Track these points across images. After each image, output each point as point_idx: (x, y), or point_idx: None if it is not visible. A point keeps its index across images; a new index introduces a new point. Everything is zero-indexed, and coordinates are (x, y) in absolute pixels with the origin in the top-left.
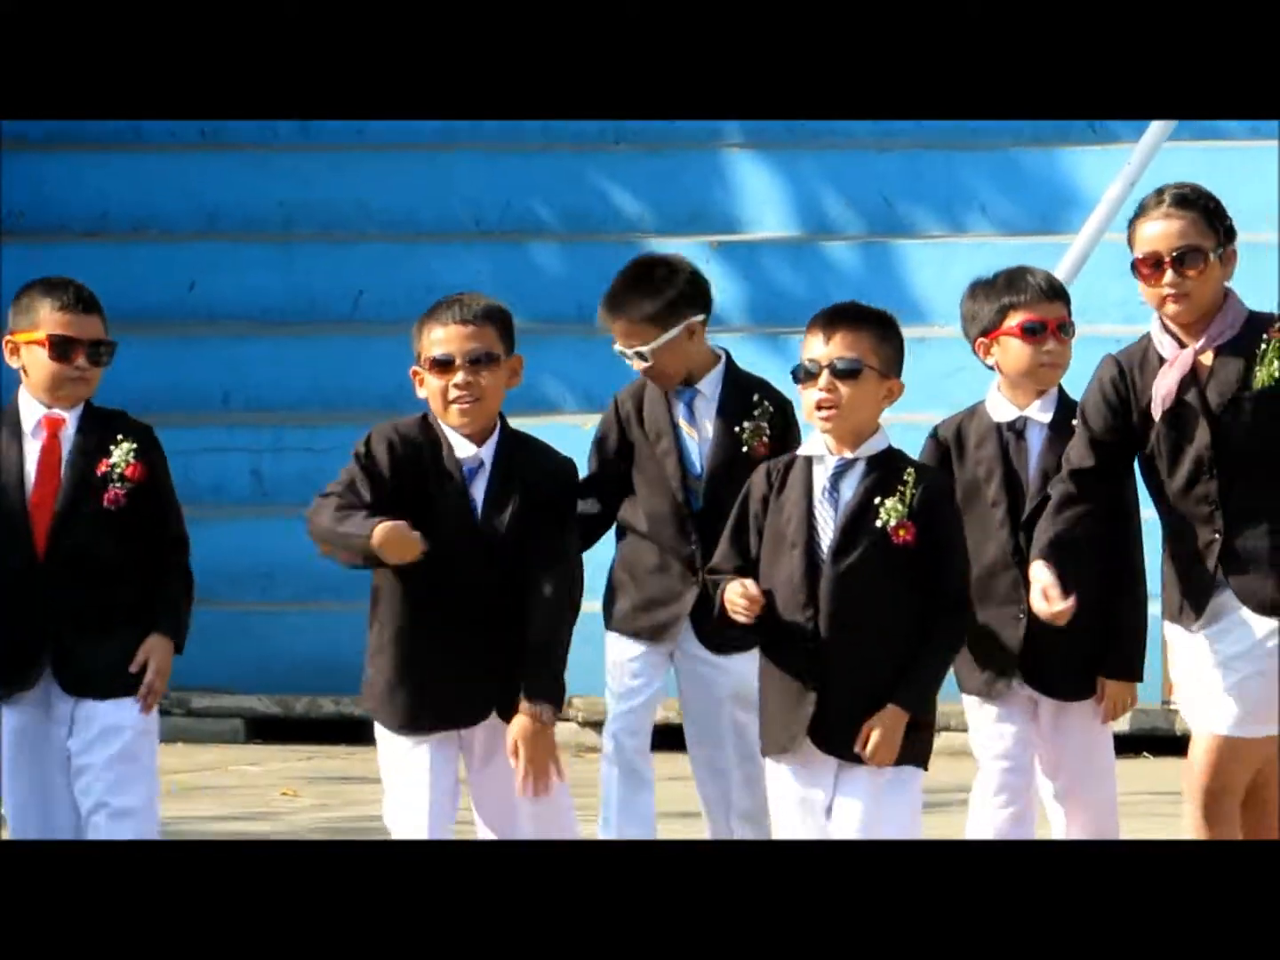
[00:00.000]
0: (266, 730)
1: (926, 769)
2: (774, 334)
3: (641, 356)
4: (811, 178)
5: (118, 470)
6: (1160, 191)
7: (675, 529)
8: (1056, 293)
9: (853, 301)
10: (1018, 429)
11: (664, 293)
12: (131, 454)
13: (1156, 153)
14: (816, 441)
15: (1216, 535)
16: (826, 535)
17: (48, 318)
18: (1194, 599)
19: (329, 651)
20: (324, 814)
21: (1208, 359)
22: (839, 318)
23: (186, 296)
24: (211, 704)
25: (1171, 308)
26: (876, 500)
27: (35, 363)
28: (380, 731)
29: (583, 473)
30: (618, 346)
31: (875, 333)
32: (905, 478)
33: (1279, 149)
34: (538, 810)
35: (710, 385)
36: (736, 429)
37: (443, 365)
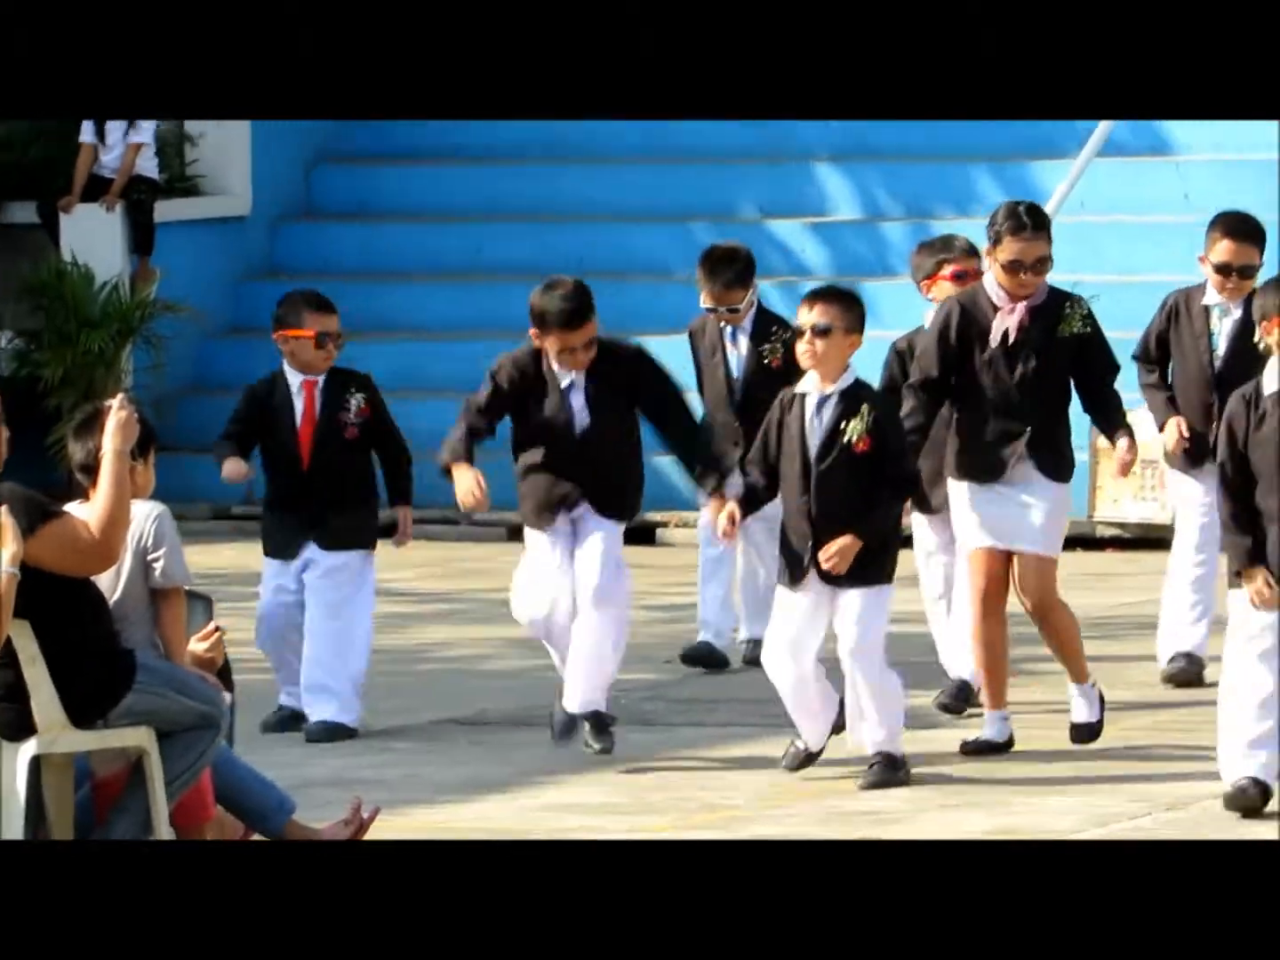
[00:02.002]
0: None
1: (891, 583)
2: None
3: (733, 311)
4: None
5: (351, 414)
6: (1021, 214)
7: (724, 411)
8: (974, 251)
9: (828, 284)
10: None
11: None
12: (361, 400)
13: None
14: (807, 380)
15: (1029, 427)
16: (814, 447)
17: (311, 319)
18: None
19: None
20: None
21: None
22: (816, 294)
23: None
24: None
25: (1022, 290)
26: (843, 423)
27: (301, 348)
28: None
29: None
30: (709, 303)
31: (841, 303)
32: (863, 407)
33: None
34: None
35: (747, 320)
36: (760, 349)
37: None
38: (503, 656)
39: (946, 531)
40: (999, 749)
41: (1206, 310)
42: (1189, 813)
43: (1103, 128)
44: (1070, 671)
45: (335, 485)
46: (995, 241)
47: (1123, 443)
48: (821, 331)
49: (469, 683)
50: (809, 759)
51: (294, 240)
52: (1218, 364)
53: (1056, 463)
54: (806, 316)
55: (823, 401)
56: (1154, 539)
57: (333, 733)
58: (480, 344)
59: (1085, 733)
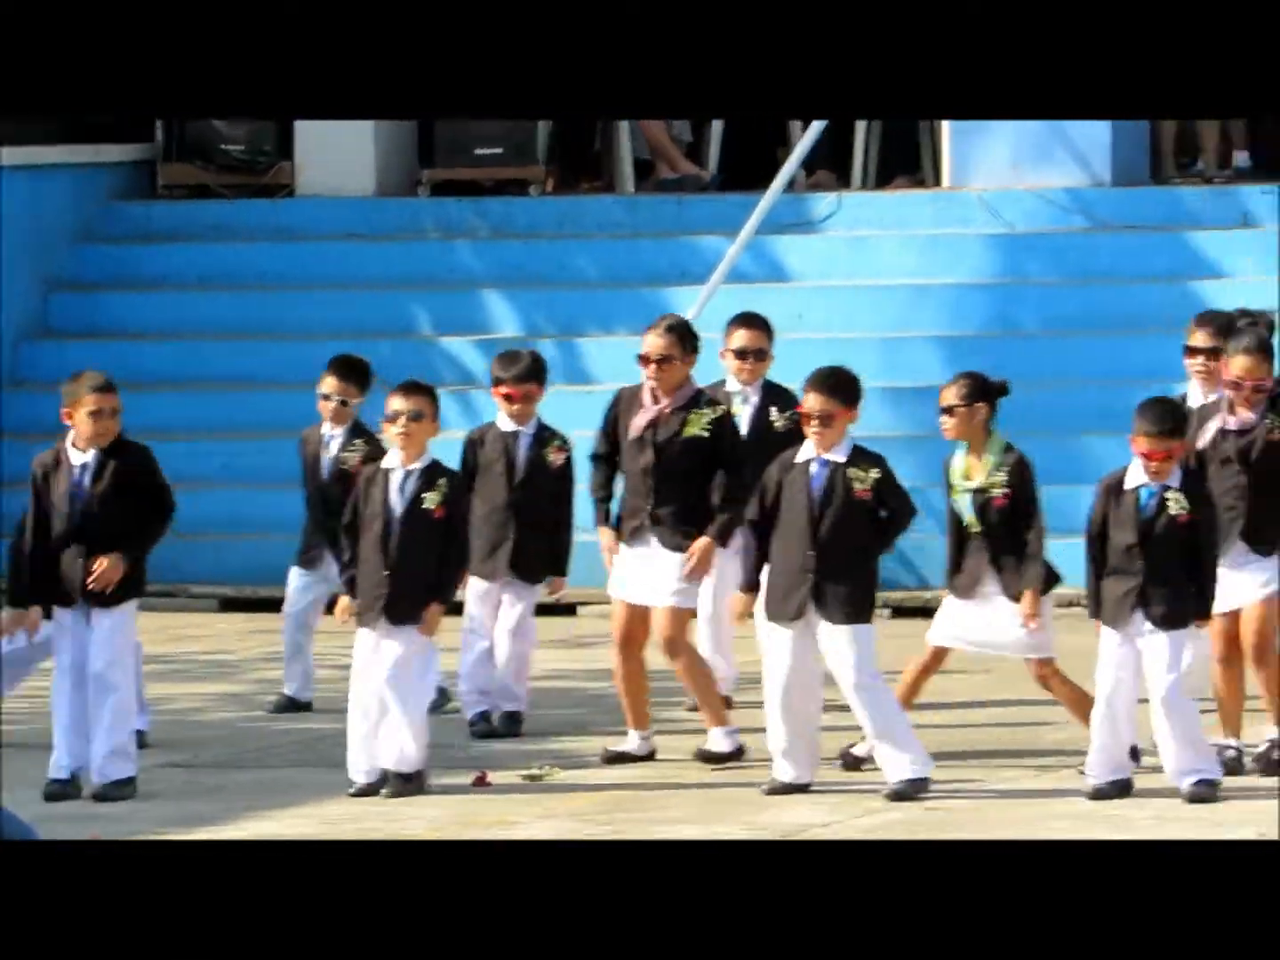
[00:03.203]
0: None
1: (871, 622)
2: None
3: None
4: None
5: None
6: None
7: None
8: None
9: (828, 369)
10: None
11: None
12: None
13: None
14: (808, 448)
15: (649, 505)
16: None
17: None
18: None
19: None
20: None
21: (666, 410)
22: (812, 384)
23: None
24: None
25: (653, 384)
26: (845, 476)
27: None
28: None
29: None
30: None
31: (835, 391)
32: (864, 468)
33: None
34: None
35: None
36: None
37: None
38: (214, 710)
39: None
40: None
41: None
42: None
43: (728, 259)
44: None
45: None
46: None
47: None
48: (822, 418)
49: (185, 732)
50: (792, 789)
51: (34, 356)
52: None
53: (676, 535)
54: (810, 403)
55: (821, 465)
56: None
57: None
58: (200, 444)
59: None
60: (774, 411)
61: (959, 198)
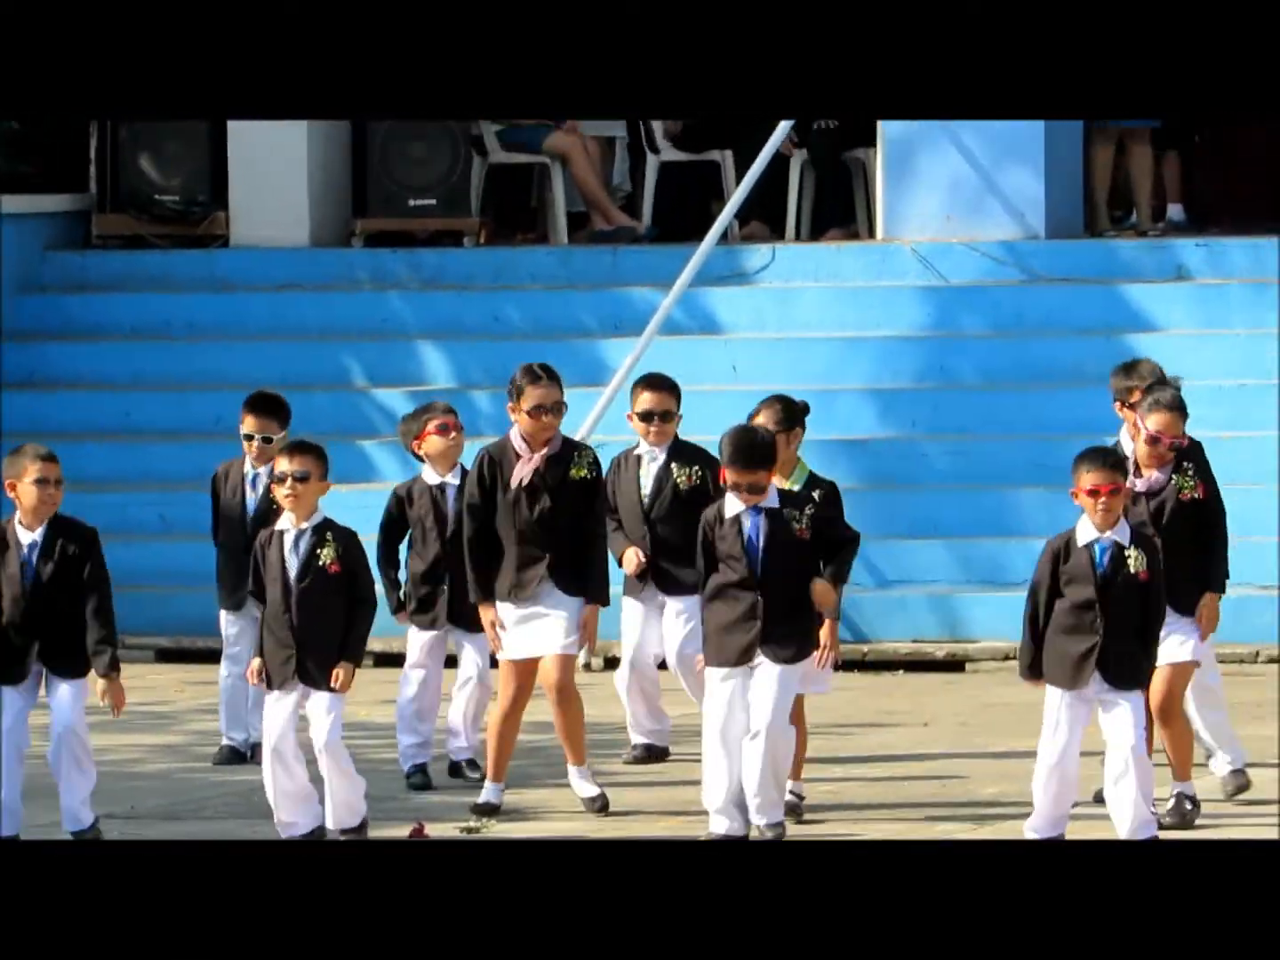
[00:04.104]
0: None
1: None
2: None
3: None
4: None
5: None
6: (535, 370)
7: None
8: (451, 410)
9: (745, 439)
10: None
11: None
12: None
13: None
14: (733, 503)
15: (548, 554)
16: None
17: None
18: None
19: None
20: None
21: (547, 457)
22: (730, 457)
23: None
24: None
25: (545, 433)
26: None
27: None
28: None
29: None
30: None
31: (758, 462)
32: (806, 507)
33: None
34: None
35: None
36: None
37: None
38: (152, 761)
39: None
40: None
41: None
42: None
43: (661, 310)
44: None
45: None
46: (518, 394)
47: None
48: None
49: (122, 783)
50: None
51: None
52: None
53: (573, 581)
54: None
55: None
56: None
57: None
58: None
59: None
60: (675, 468)
61: (892, 250)
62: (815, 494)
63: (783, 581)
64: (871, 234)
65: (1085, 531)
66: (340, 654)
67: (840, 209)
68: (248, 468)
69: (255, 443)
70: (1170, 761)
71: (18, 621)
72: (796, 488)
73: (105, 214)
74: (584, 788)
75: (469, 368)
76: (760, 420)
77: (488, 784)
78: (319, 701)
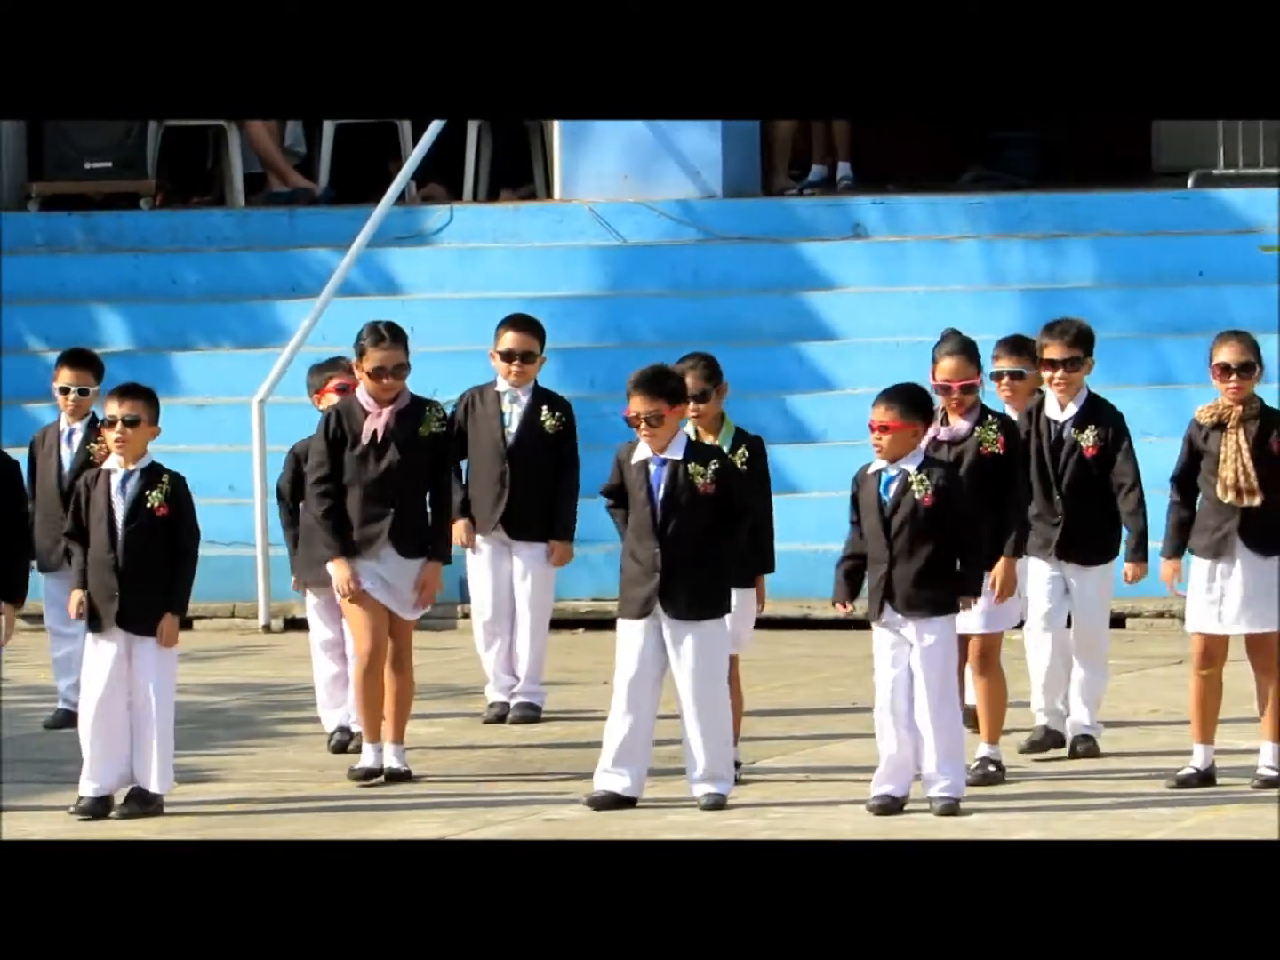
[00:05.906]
0: None
1: (723, 617)
2: None
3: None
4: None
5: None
6: (380, 329)
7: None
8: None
9: (651, 371)
10: None
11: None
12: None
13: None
14: (643, 449)
15: (391, 509)
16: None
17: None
18: None
19: None
20: None
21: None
22: (640, 385)
23: None
24: None
25: (386, 394)
26: (685, 472)
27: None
28: None
29: None
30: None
31: (660, 393)
32: (712, 461)
33: None
34: None
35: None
36: None
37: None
38: None
39: None
40: None
41: None
42: None
43: (339, 272)
44: None
45: None
46: (361, 355)
47: None
48: (651, 418)
49: None
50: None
51: None
52: None
53: (414, 541)
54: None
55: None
56: None
57: None
58: None
59: None
60: (544, 411)
61: (570, 210)
62: (742, 450)
63: (681, 535)
64: (550, 194)
65: (875, 463)
66: (166, 605)
67: (518, 169)
68: (63, 425)
69: (71, 395)
70: (981, 725)
71: None
72: (726, 447)
73: None
74: (392, 761)
75: (146, 330)
76: (688, 381)
77: (366, 746)
78: (145, 653)
